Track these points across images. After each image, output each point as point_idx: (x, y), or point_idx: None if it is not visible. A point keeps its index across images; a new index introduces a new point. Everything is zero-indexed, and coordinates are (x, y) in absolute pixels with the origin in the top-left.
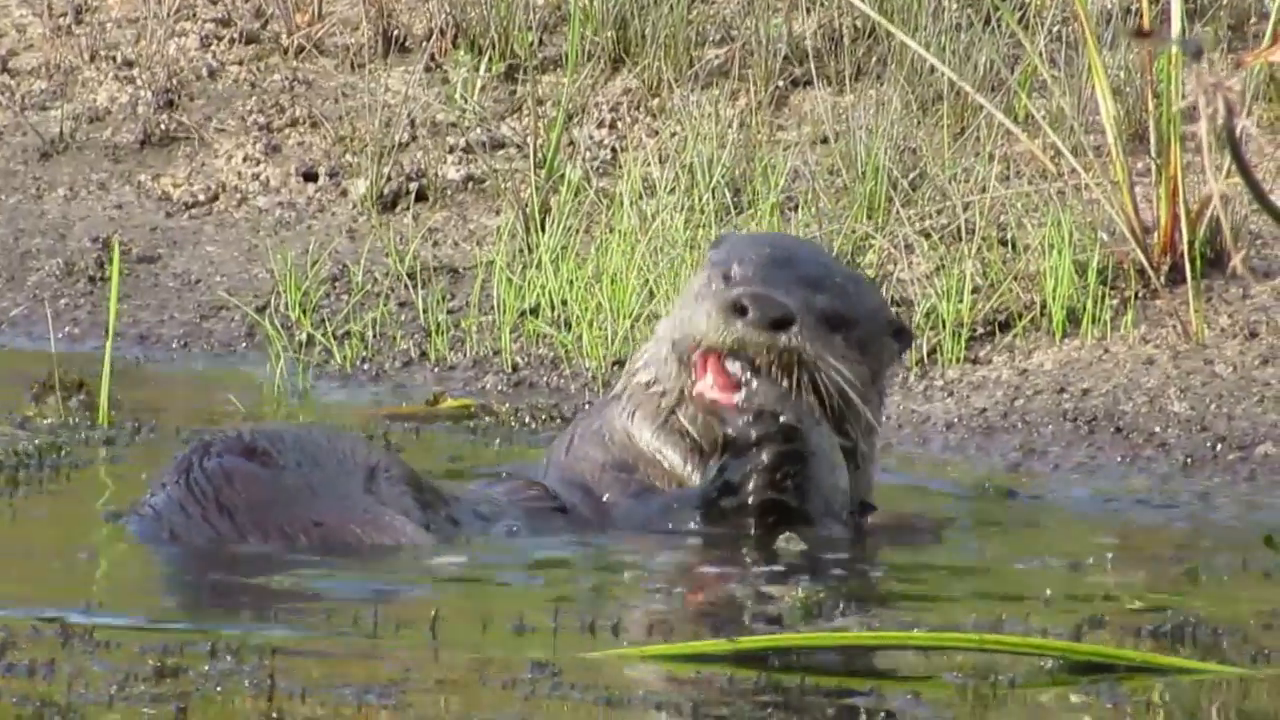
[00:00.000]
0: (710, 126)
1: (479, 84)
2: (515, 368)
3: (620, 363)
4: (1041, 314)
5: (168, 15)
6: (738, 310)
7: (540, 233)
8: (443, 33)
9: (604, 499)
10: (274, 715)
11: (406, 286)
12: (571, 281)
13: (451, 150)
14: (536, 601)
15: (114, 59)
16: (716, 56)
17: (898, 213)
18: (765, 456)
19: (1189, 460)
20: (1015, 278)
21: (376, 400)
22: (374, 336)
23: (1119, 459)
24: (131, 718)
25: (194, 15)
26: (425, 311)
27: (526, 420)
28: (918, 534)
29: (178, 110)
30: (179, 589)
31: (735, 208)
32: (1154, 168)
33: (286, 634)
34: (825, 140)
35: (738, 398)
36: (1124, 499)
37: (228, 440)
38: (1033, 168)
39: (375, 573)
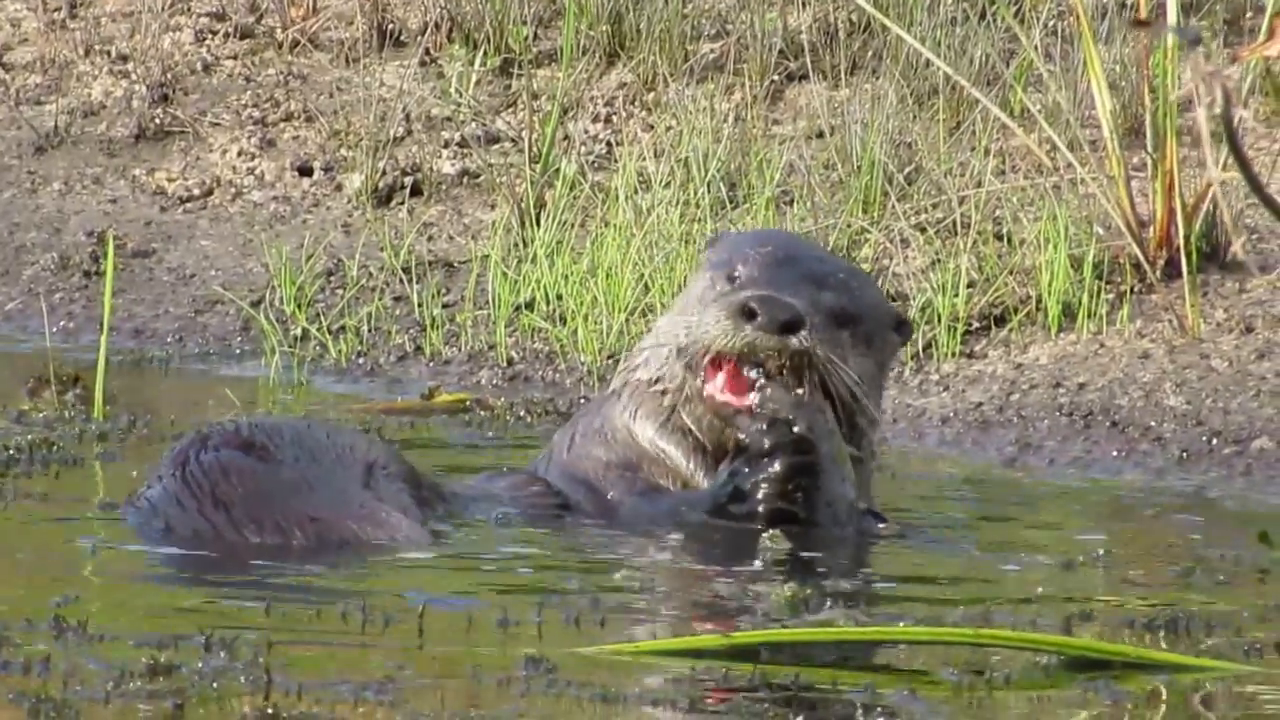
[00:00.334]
0: (705, 121)
1: (474, 78)
2: (510, 362)
3: (615, 357)
4: (1037, 308)
5: (162, 9)
6: (746, 314)
7: (535, 227)
8: (437, 27)
9: (609, 497)
10: (270, 712)
11: (401, 281)
12: (566, 276)
13: (446, 145)
14: (526, 597)
15: (108, 53)
16: (711, 51)
17: (893, 207)
18: (777, 467)
19: (1185, 454)
20: (1011, 272)
21: (371, 394)
22: (369, 331)
23: (1114, 453)
24: (127, 714)
25: (188, 9)
26: (420, 306)
27: (522, 414)
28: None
29: (172, 104)
30: (174, 584)
31: (730, 202)
32: (1150, 162)
33: (282, 630)
34: (820, 134)
35: (751, 399)
36: (1119, 493)
37: (225, 433)
38: (1028, 162)
39: (369, 568)
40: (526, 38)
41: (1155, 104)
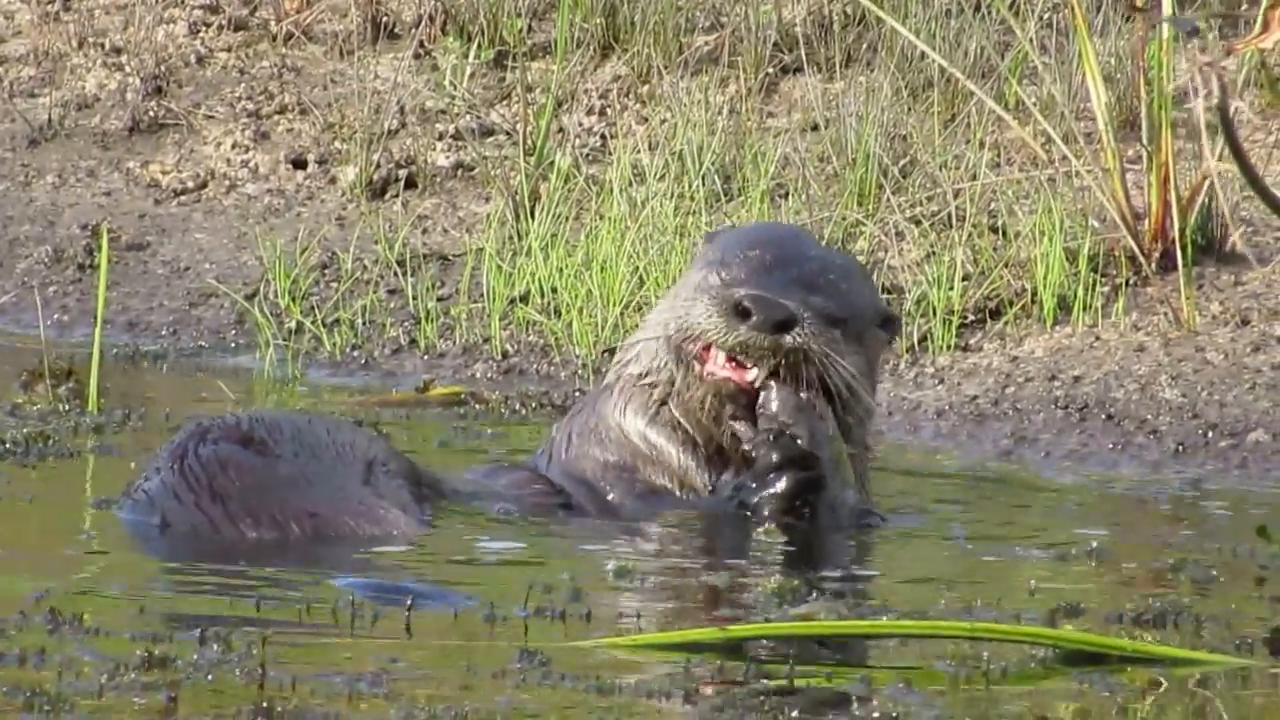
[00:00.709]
0: (700, 113)
1: (468, 71)
2: (505, 355)
3: (611, 351)
4: (1032, 301)
5: (156, 2)
6: (741, 313)
7: (530, 220)
8: (432, 19)
9: (609, 499)
10: (264, 704)
11: (396, 274)
12: (561, 269)
13: (441, 137)
14: (519, 591)
15: (102, 46)
16: (706, 43)
17: (888, 200)
18: (783, 484)
19: (1180, 447)
20: (1006, 265)
21: (366, 388)
22: (363, 324)
23: (1110, 446)
24: (122, 707)
25: (182, 2)
26: (415, 299)
27: (517, 407)
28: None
29: (166, 97)
30: (169, 577)
31: (725, 195)
32: (1145, 154)
33: (276, 622)
34: (815, 127)
35: (751, 375)
36: (1115, 486)
37: (225, 427)
38: (1023, 155)
39: (363, 563)
40: (521, 30)
41: (1150, 96)
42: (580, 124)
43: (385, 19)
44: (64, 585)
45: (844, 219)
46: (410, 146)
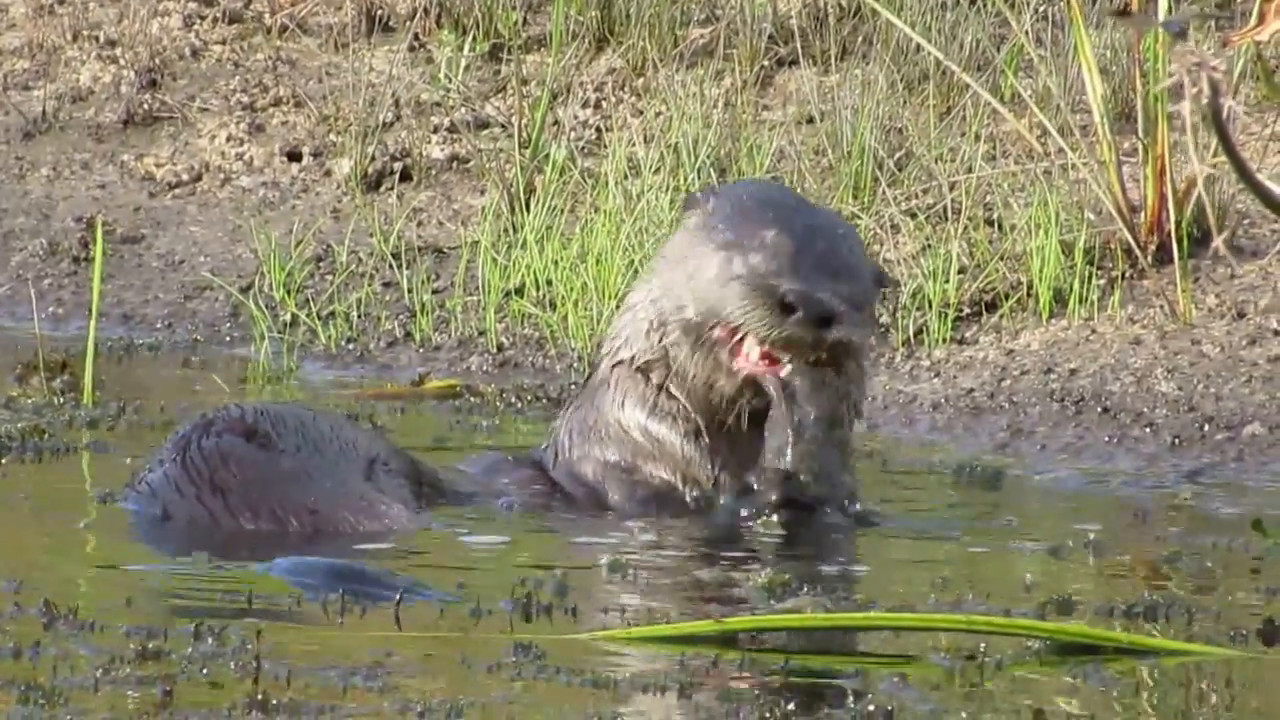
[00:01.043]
0: (695, 106)
1: (463, 63)
2: (500, 348)
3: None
4: (1028, 294)
5: None
6: (785, 309)
7: (525, 213)
8: (426, 12)
9: (612, 500)
10: (259, 698)
11: (391, 267)
12: (556, 262)
13: (436, 130)
14: (514, 585)
15: (97, 38)
16: (701, 36)
17: (883, 193)
18: (780, 517)
19: (1176, 440)
20: (1002, 258)
21: (361, 380)
22: (359, 317)
23: (1106, 439)
24: (117, 700)
25: None
26: (410, 292)
27: (512, 400)
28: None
29: (161, 90)
30: (164, 571)
31: None
32: (1141, 147)
33: (270, 615)
34: (810, 120)
35: (786, 370)
36: (1111, 479)
37: (229, 419)
38: (1019, 147)
39: (362, 558)
40: (516, 23)
41: (1146, 89)
42: (575, 117)
43: (380, 11)
44: (59, 579)
45: (839, 212)
46: (405, 139)
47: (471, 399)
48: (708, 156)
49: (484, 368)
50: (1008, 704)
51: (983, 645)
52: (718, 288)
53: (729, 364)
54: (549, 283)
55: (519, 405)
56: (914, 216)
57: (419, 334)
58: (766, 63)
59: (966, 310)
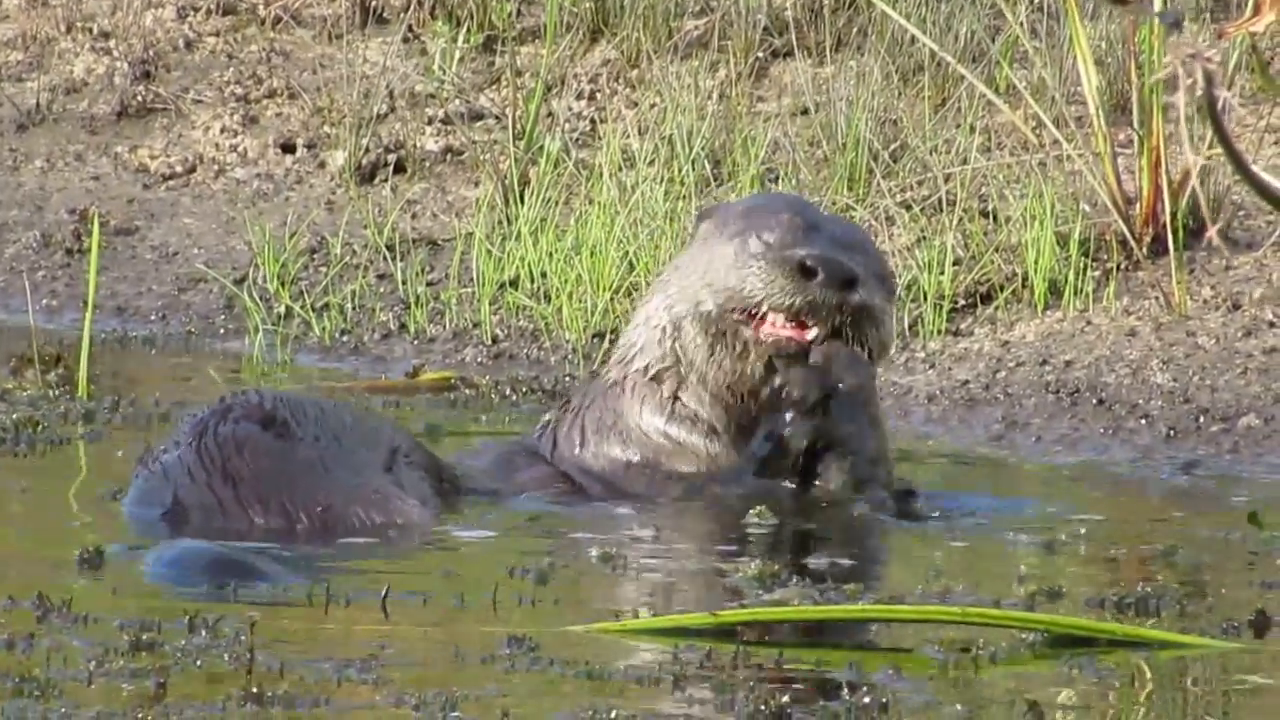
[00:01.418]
0: (690, 98)
1: (457, 55)
2: (495, 340)
3: (600, 335)
4: (1023, 286)
5: None
6: (806, 272)
7: (519, 205)
8: (420, 3)
9: (636, 493)
10: (253, 690)
11: (385, 259)
12: (551, 253)
13: (430, 122)
14: (508, 578)
15: (90, 30)
16: (696, 27)
17: (878, 184)
18: (816, 420)
19: (1172, 432)
20: (997, 249)
21: (356, 372)
22: (353, 309)
23: (1101, 431)
24: (110, 693)
25: None
26: (404, 284)
27: (507, 392)
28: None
29: (154, 82)
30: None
31: (715, 179)
32: (1136, 139)
33: (264, 607)
34: (805, 111)
35: (810, 335)
36: (1106, 470)
37: (248, 405)
38: (1014, 139)
39: (368, 552)
40: (510, 14)
41: (1141, 80)
42: (570, 108)
43: (374, 3)
44: (53, 571)
45: (834, 204)
46: (399, 131)
47: (466, 391)
48: (702, 148)
49: (478, 360)
50: (1002, 696)
51: (980, 639)
52: (736, 270)
53: (753, 339)
54: (543, 275)
55: (514, 397)
56: (909, 208)
57: (413, 326)
58: (761, 54)
59: (961, 302)
